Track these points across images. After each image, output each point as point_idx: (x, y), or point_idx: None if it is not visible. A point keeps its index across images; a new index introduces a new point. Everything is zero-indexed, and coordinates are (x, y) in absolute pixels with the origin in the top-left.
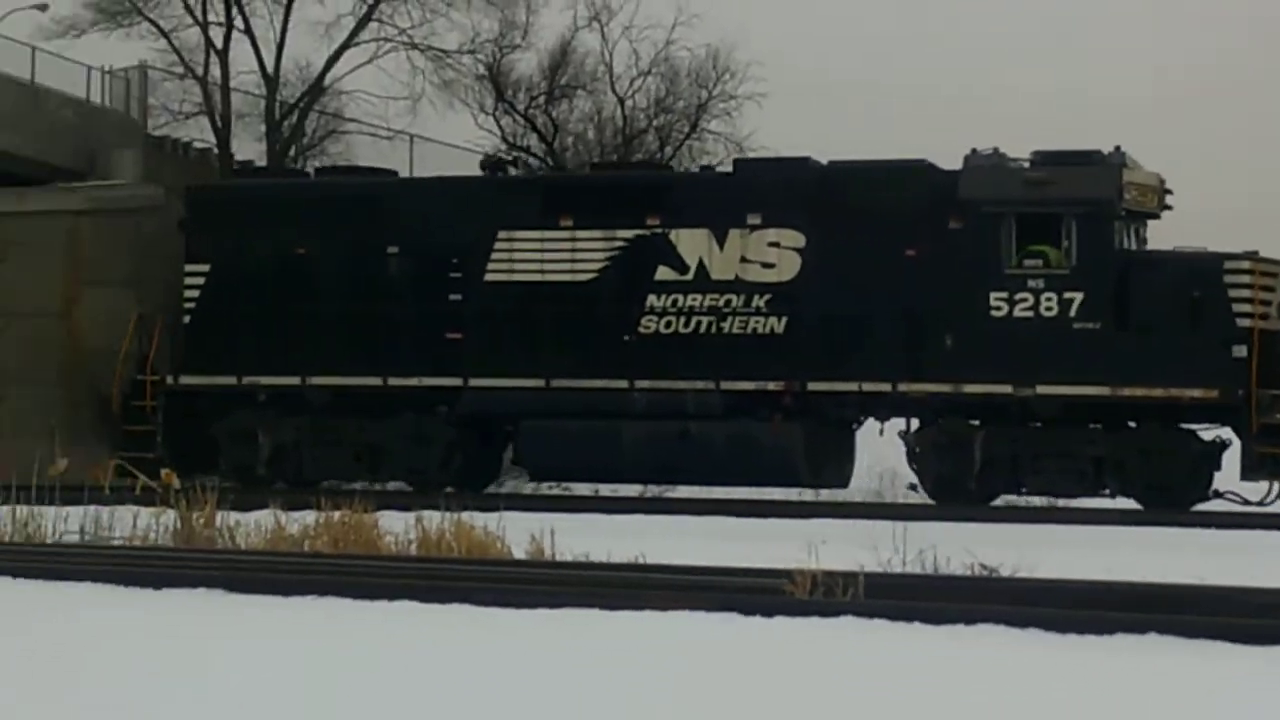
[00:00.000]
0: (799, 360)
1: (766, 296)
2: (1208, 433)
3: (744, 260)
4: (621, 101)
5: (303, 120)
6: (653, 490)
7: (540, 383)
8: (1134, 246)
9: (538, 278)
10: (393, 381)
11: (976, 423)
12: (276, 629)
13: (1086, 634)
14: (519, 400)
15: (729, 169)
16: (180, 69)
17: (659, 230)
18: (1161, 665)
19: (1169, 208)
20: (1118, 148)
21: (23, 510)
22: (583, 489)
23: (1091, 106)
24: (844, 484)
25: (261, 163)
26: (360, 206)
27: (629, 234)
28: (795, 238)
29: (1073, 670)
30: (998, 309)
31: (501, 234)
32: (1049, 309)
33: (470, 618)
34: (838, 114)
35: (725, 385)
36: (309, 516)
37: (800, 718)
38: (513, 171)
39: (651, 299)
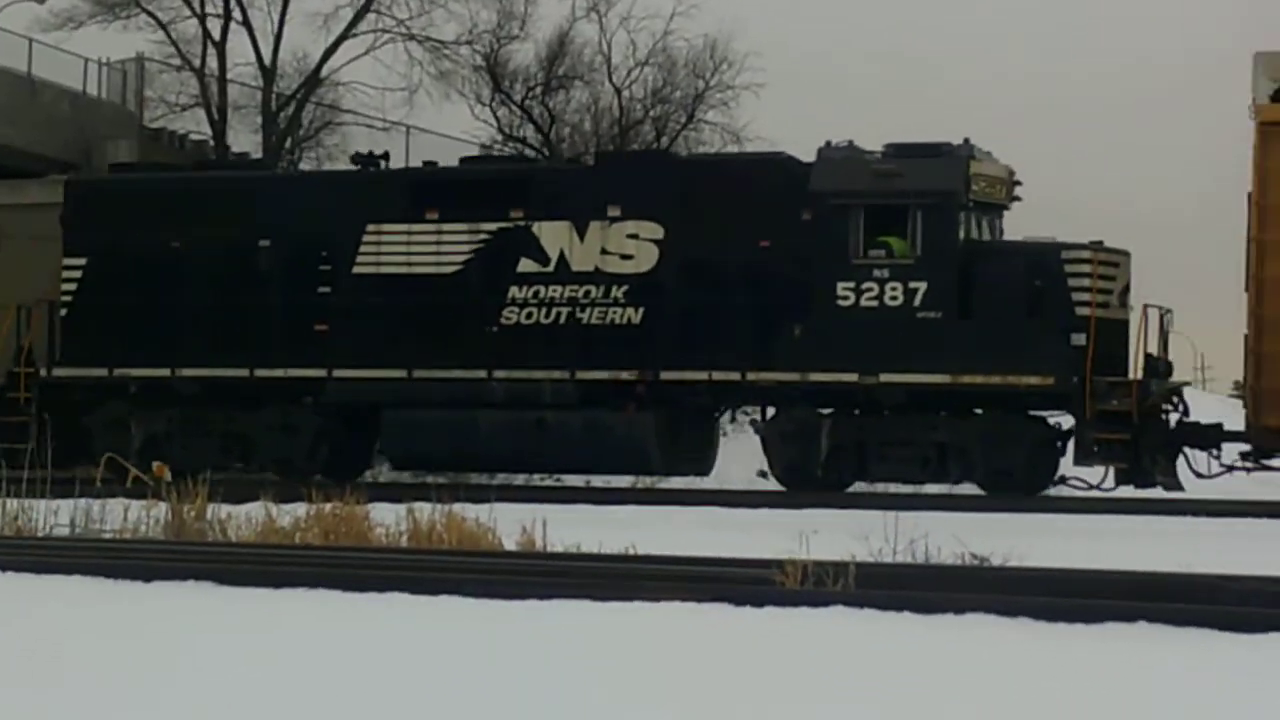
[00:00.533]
0: (654, 350)
1: (624, 287)
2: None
3: (604, 252)
4: (619, 92)
5: (299, 112)
6: (645, 481)
7: (402, 373)
8: (985, 237)
9: (404, 270)
10: (259, 373)
11: (826, 411)
12: (267, 621)
13: (1075, 622)
14: (381, 390)
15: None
16: (177, 61)
17: (522, 223)
18: (1150, 653)
19: (1018, 199)
20: (967, 140)
21: (13, 504)
22: (574, 480)
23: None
24: (706, 472)
25: (257, 154)
26: (232, 201)
27: (493, 227)
28: (654, 229)
29: (1062, 658)
30: (844, 299)
31: (370, 227)
32: (894, 299)
33: (461, 609)
34: (839, 102)
35: (580, 375)
36: (300, 509)
37: (790, 706)
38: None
39: (514, 290)
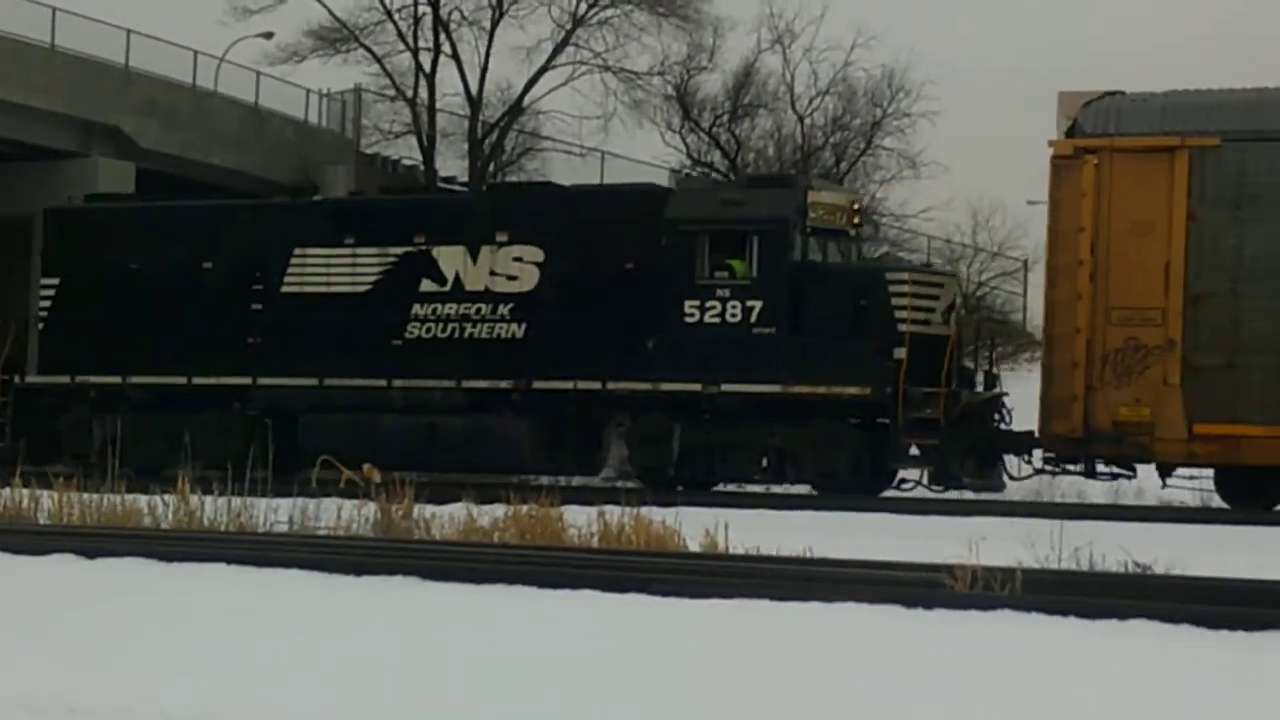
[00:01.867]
0: (531, 362)
1: (509, 305)
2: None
3: (492, 273)
4: (801, 119)
5: (502, 139)
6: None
7: (315, 381)
8: (826, 259)
9: (324, 289)
10: (196, 380)
11: (678, 418)
12: (469, 615)
13: (1237, 629)
14: (299, 396)
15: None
16: (391, 92)
17: (424, 247)
18: None
19: (860, 225)
20: (810, 172)
21: (236, 501)
22: (755, 487)
23: None
24: (593, 473)
25: (464, 178)
26: (181, 227)
27: (399, 250)
28: (535, 253)
29: (1223, 665)
30: (690, 316)
31: (296, 251)
32: (733, 316)
33: (648, 606)
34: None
35: (466, 384)
36: (499, 510)
37: (956, 706)
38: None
39: (416, 308)
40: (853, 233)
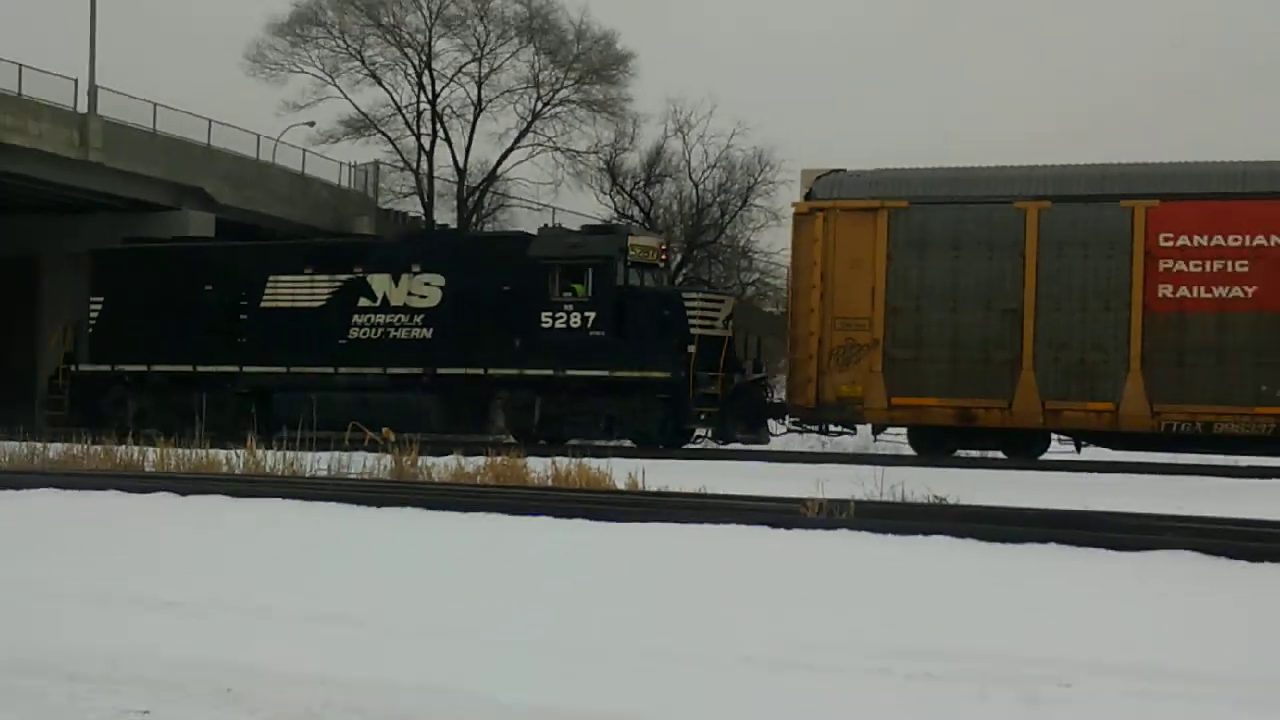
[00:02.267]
0: (435, 355)
1: (420, 316)
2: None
3: (409, 293)
4: (696, 185)
5: (481, 198)
6: (711, 444)
7: (284, 369)
8: (641, 283)
9: (290, 304)
10: (200, 368)
11: (538, 394)
12: (459, 533)
13: (1007, 543)
14: (272, 380)
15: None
16: (401, 164)
17: (361, 275)
18: (1059, 565)
19: (666, 261)
20: (629, 222)
21: (290, 454)
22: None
23: None
24: (483, 434)
25: (454, 226)
26: (190, 261)
27: (344, 277)
28: (439, 279)
29: (996, 568)
30: (546, 323)
31: (271, 277)
32: (575, 323)
33: (587, 527)
34: None
35: (390, 370)
36: (480, 460)
37: (810, 589)
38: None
39: (355, 318)
40: (661, 265)
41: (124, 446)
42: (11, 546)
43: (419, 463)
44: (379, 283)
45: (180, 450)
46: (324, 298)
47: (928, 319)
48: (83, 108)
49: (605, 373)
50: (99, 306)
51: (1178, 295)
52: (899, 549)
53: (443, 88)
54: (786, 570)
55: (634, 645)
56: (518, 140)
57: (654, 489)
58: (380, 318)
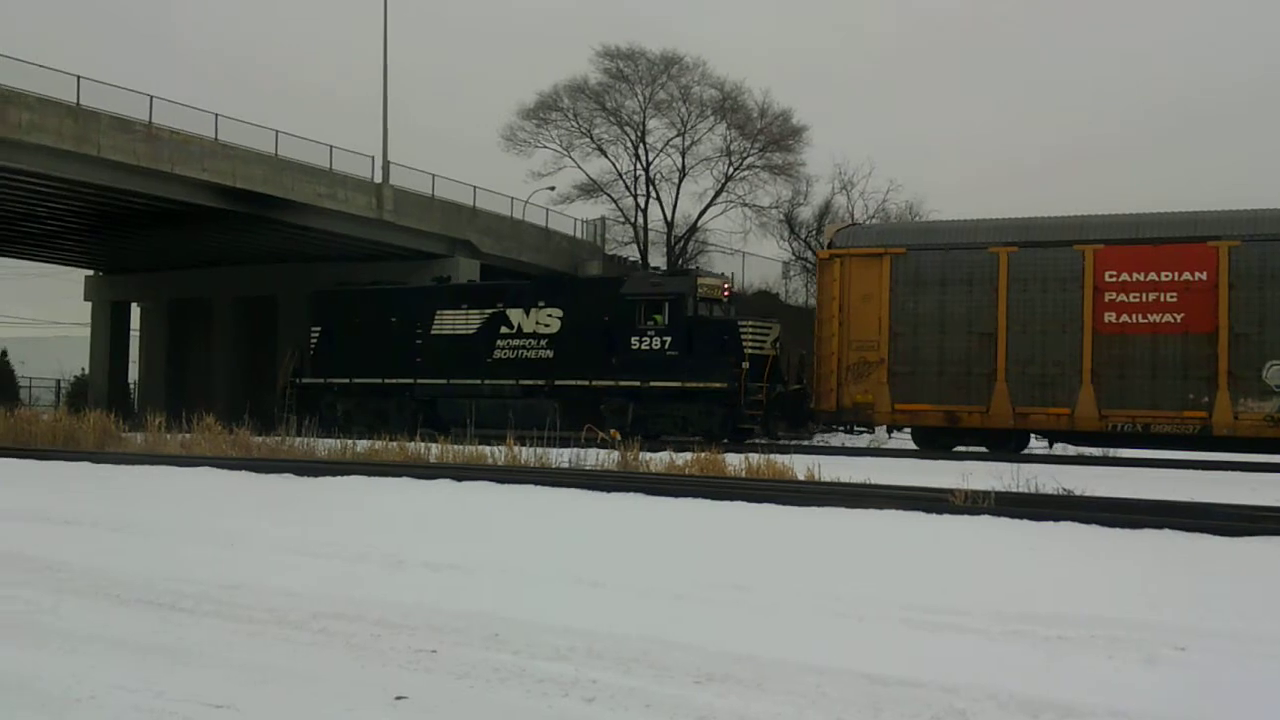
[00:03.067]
0: (555, 370)
1: (545, 340)
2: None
3: (537, 323)
4: None
5: (685, 245)
6: (875, 442)
7: (445, 381)
8: (707, 314)
9: (451, 332)
10: (387, 381)
11: (630, 400)
12: (671, 511)
13: (1126, 528)
14: (438, 390)
15: (535, 280)
16: (622, 219)
17: (501, 309)
18: (1171, 546)
19: (729, 296)
20: (698, 269)
21: (539, 450)
22: (834, 442)
23: None
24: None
25: (665, 268)
26: (382, 299)
27: (490, 311)
28: (558, 312)
29: (1117, 548)
30: (634, 345)
31: (438, 312)
32: (656, 345)
33: (776, 511)
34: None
35: (522, 382)
36: (688, 455)
37: (957, 564)
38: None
39: (498, 342)
40: (724, 300)
41: (414, 442)
42: (327, 517)
43: (639, 456)
44: (515, 315)
45: (455, 446)
46: (475, 327)
47: (922, 341)
48: (378, 178)
49: (678, 384)
50: (317, 333)
51: (1120, 320)
52: (1033, 532)
53: (654, 157)
54: (938, 548)
55: (815, 606)
56: (714, 198)
57: (828, 480)
58: (515, 342)
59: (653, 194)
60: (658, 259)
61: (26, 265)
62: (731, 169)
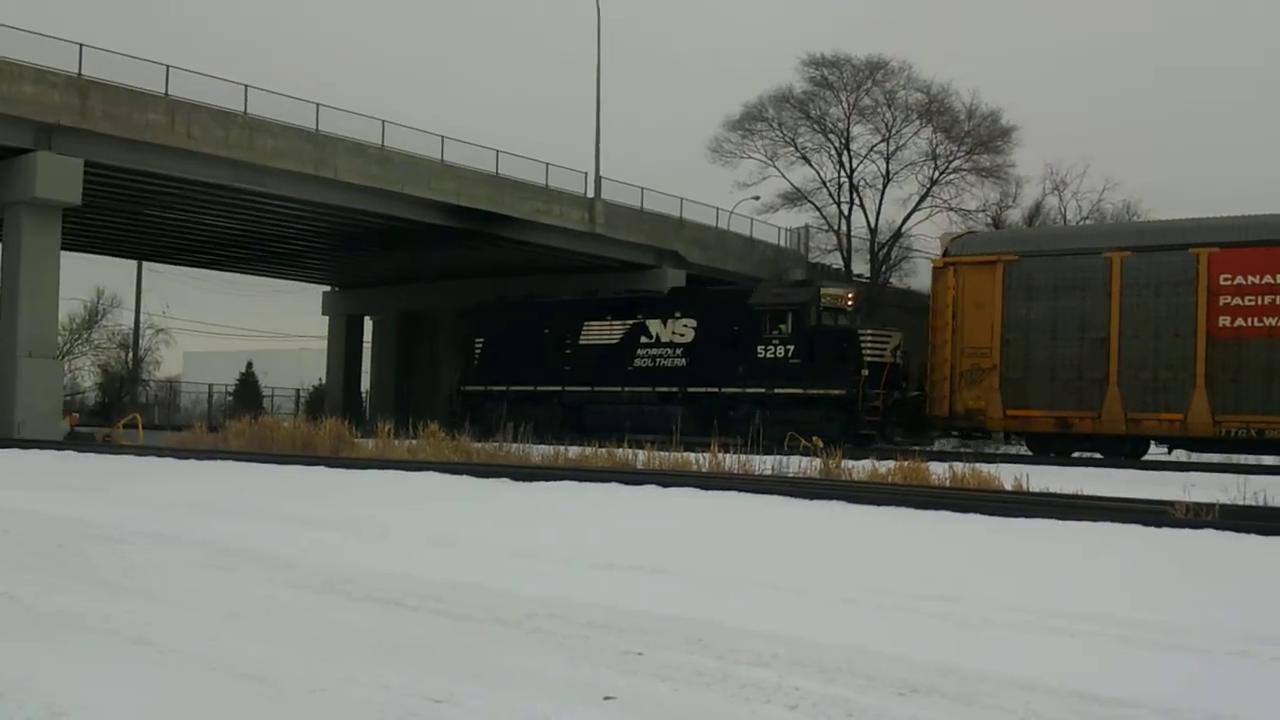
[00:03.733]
0: (688, 378)
1: (680, 349)
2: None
3: (673, 333)
4: None
5: (889, 252)
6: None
7: (589, 389)
8: (830, 324)
9: (596, 342)
10: (539, 388)
11: (756, 406)
12: (871, 519)
13: None
14: (584, 396)
15: (670, 291)
16: (825, 226)
17: (641, 320)
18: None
19: (853, 306)
20: (824, 279)
21: (742, 457)
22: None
23: None
24: (727, 437)
25: (867, 275)
26: (535, 311)
27: (631, 322)
28: (692, 323)
29: None
30: (760, 353)
31: (585, 323)
32: (780, 354)
33: (979, 521)
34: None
35: (658, 389)
36: (890, 463)
37: (1180, 574)
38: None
39: (639, 350)
40: (848, 308)
41: (621, 449)
42: (541, 520)
43: (842, 464)
44: (653, 325)
45: (662, 454)
46: (618, 336)
47: (1034, 347)
48: (590, 193)
49: (800, 390)
50: (481, 344)
51: (1235, 324)
52: (1261, 546)
53: (858, 164)
54: (1156, 559)
55: (1024, 620)
56: (919, 204)
57: (1037, 490)
58: (654, 351)
59: (856, 201)
60: (861, 266)
61: (275, 282)
62: (937, 173)
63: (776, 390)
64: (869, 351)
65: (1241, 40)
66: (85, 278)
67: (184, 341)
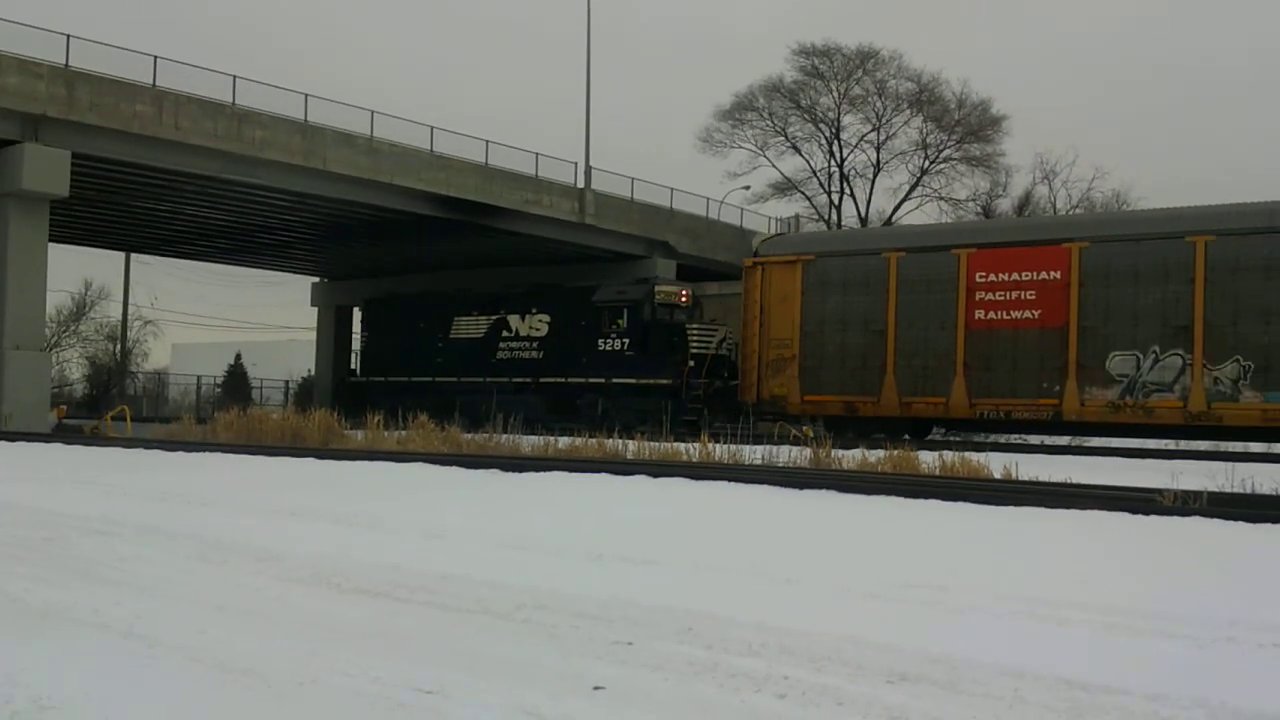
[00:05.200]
0: (542, 369)
1: (536, 343)
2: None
3: (530, 328)
4: None
5: None
6: (1075, 441)
7: (455, 379)
8: (665, 319)
9: (465, 336)
10: (413, 379)
11: (600, 396)
12: (860, 508)
13: None
14: (454, 387)
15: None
16: (816, 216)
17: (504, 315)
18: None
19: (687, 301)
20: (659, 278)
21: (732, 447)
22: (1034, 439)
23: None
24: (571, 424)
25: None
26: (412, 307)
27: (495, 317)
28: (546, 318)
29: None
30: (601, 346)
31: (455, 318)
32: (619, 346)
33: (970, 510)
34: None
35: (515, 380)
36: (880, 452)
37: (1170, 557)
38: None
39: (501, 344)
40: (683, 305)
41: (612, 439)
42: (531, 512)
43: (832, 454)
44: (514, 321)
45: (652, 444)
46: (483, 330)
47: (828, 339)
48: (580, 183)
49: (635, 380)
50: (365, 337)
51: (988, 317)
52: (1249, 533)
53: (848, 154)
54: (1144, 545)
55: (1013, 609)
56: (909, 193)
57: (1026, 479)
58: (513, 344)
59: (847, 190)
60: None
61: (264, 274)
62: (927, 162)
63: (614, 380)
64: (695, 344)
65: (1229, 33)
66: (73, 269)
67: (172, 333)
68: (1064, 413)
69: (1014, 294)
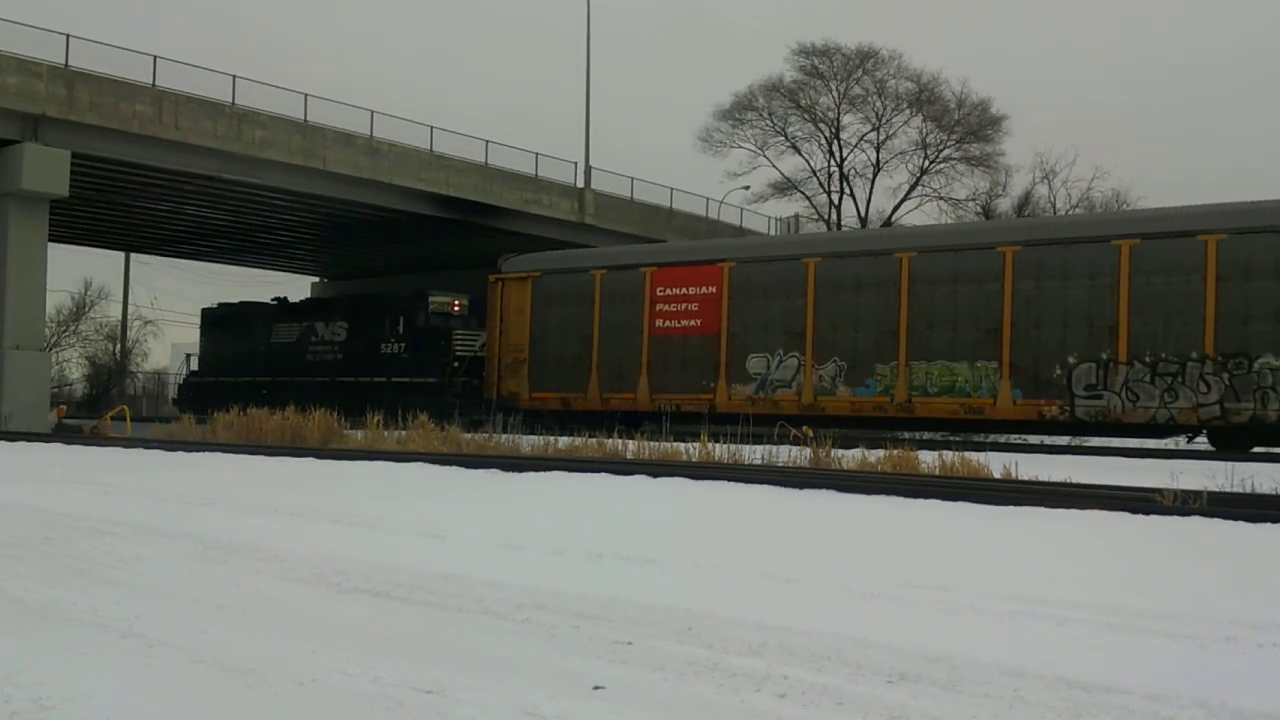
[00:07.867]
0: (341, 369)
1: (336, 346)
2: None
3: (332, 333)
4: None
5: None
6: (1076, 440)
7: (272, 379)
8: (438, 326)
9: (283, 340)
10: (239, 379)
11: (383, 392)
12: (861, 506)
13: None
14: (271, 385)
15: (330, 298)
16: (815, 216)
17: (311, 322)
18: None
19: (461, 310)
20: (433, 288)
21: (732, 447)
22: (1034, 439)
23: None
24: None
25: None
26: (241, 315)
27: (305, 324)
28: (345, 324)
29: None
30: (384, 349)
31: (274, 325)
32: (397, 349)
33: (968, 509)
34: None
35: (317, 379)
36: (880, 452)
37: (1168, 554)
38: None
39: (310, 348)
40: (457, 312)
41: (612, 439)
42: (531, 511)
43: (831, 454)
44: (320, 327)
45: (652, 444)
46: (295, 336)
47: (550, 344)
48: (580, 183)
49: (408, 379)
50: (203, 342)
51: (665, 326)
52: (1249, 533)
53: (848, 153)
54: (1147, 544)
55: (1014, 609)
56: (909, 192)
57: (1026, 478)
58: (319, 347)
59: (846, 190)
60: None
61: (264, 274)
62: (927, 162)
63: (394, 379)
64: (458, 347)
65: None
66: (72, 269)
67: (172, 333)
68: (717, 405)
69: (683, 306)
